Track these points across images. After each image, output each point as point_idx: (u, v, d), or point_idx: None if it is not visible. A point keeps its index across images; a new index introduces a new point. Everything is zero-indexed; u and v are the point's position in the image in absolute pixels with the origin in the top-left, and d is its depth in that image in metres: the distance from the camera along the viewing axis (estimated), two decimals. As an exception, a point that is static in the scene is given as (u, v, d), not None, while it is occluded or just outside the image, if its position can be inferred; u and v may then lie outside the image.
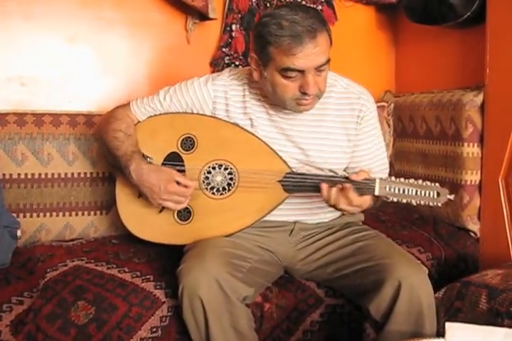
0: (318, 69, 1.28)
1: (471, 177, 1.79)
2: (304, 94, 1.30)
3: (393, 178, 1.28)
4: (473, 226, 1.80)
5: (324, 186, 1.28)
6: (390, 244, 1.39)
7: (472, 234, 1.81)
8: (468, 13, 1.79)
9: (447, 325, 1.01)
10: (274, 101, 1.38)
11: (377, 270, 1.27)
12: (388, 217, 1.93)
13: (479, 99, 1.78)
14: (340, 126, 1.43)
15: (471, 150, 1.78)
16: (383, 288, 1.24)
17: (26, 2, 1.84)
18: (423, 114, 1.98)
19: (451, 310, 1.31)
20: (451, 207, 1.84)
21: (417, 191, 1.26)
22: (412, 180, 1.27)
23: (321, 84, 1.32)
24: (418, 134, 2.01)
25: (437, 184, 1.27)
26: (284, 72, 1.28)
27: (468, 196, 1.79)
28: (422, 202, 1.26)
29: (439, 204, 1.26)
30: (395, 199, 1.27)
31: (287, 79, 1.29)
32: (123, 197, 1.50)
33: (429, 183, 1.27)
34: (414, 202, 1.26)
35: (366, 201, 1.29)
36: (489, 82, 1.74)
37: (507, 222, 1.69)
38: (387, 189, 1.26)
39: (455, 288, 1.33)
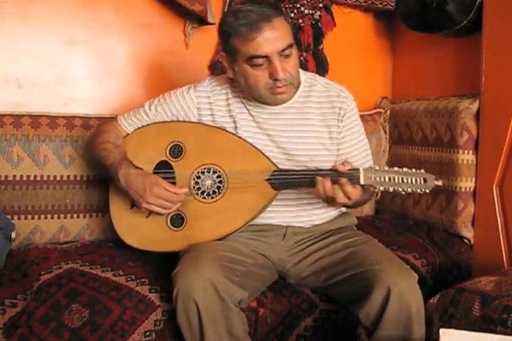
0: (283, 54, 1.32)
1: (466, 184, 1.80)
2: (276, 80, 1.33)
3: (377, 167, 1.28)
4: (468, 233, 1.82)
5: (319, 179, 1.28)
6: (380, 249, 1.40)
7: (466, 241, 1.82)
8: (465, 22, 1.81)
9: (441, 331, 1.01)
10: (250, 95, 1.41)
11: (366, 276, 1.27)
12: (383, 224, 1.94)
13: (475, 106, 1.79)
14: (323, 124, 1.46)
15: (466, 157, 1.80)
16: (373, 295, 1.24)
17: (24, 4, 1.84)
18: (419, 121, 1.99)
19: (445, 316, 1.31)
20: (446, 213, 1.85)
21: (403, 178, 1.26)
22: (396, 168, 1.27)
23: (291, 70, 1.35)
24: (414, 141, 2.02)
25: (423, 170, 1.27)
26: (250, 61, 1.32)
27: (463, 203, 1.80)
28: (410, 190, 1.25)
29: (427, 191, 1.26)
30: (382, 188, 1.27)
31: (256, 69, 1.33)
32: (116, 209, 1.52)
33: (414, 170, 1.26)
34: (401, 190, 1.26)
35: (360, 192, 1.29)
36: (485, 89, 1.76)
37: (501, 229, 1.70)
38: (373, 178, 1.27)
39: (449, 295, 1.33)
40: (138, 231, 1.47)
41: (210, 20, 1.95)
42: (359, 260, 1.33)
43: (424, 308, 1.27)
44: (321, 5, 2.16)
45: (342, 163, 1.30)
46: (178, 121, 1.49)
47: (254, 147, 1.41)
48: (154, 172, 1.45)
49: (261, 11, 1.30)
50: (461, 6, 1.82)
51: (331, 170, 1.31)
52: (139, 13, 1.98)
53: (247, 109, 1.45)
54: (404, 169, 1.26)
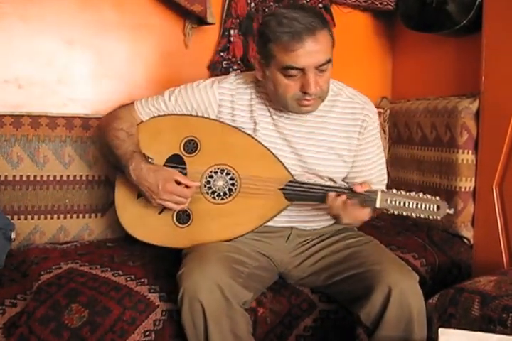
0: (320, 68, 1.28)
1: (466, 184, 1.80)
2: (305, 93, 1.30)
3: (395, 191, 1.26)
4: (467, 232, 1.81)
5: (331, 195, 1.28)
6: (381, 250, 1.40)
7: (466, 241, 1.82)
8: (465, 21, 1.81)
9: (440, 330, 1.01)
10: (276, 101, 1.38)
11: (367, 276, 1.27)
12: (383, 223, 1.94)
13: (474, 106, 1.79)
14: (343, 135, 1.43)
15: (465, 157, 1.80)
16: (373, 295, 1.24)
17: (23, 4, 1.84)
18: (418, 121, 1.99)
19: (445, 316, 1.31)
20: (446, 213, 1.85)
21: (417, 204, 1.25)
22: (413, 193, 1.26)
23: (323, 85, 1.31)
24: (413, 141, 2.02)
25: (438, 197, 1.26)
26: (285, 70, 1.28)
27: (463, 203, 1.80)
28: (422, 216, 1.25)
29: (439, 218, 1.26)
30: (396, 212, 1.26)
31: (288, 78, 1.29)
32: (122, 198, 1.49)
33: (429, 196, 1.25)
34: (414, 215, 1.25)
35: (367, 214, 1.30)
36: (484, 89, 1.76)
37: (500, 229, 1.70)
38: (389, 202, 1.26)
39: (448, 294, 1.33)
40: (142, 223, 1.45)
41: (209, 20, 1.95)
42: (360, 260, 1.33)
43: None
44: (320, 5, 2.16)
45: (360, 184, 1.28)
46: (197, 116, 1.45)
47: (272, 153, 1.39)
48: (165, 165, 1.42)
49: (306, 22, 1.24)
50: (460, 6, 1.82)
51: (347, 188, 1.30)
52: (139, 13, 1.98)
53: (269, 112, 1.42)
54: (420, 194, 1.25)
